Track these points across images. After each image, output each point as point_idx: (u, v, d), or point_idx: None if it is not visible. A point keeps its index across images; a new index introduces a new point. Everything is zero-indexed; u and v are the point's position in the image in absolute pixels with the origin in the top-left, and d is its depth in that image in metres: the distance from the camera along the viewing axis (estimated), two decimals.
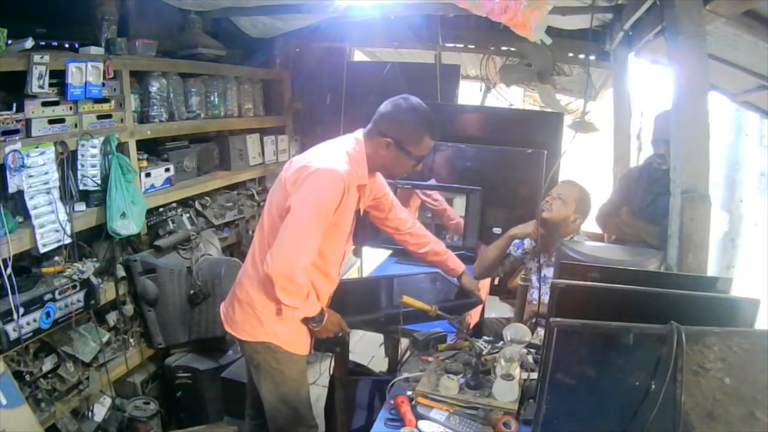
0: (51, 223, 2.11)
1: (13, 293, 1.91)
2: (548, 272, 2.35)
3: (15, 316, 1.90)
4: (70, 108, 2.23)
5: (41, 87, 2.03)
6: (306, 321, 1.88)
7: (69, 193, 2.20)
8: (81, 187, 2.29)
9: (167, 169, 2.79)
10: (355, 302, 2.18)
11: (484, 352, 1.80)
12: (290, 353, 1.92)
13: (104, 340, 2.38)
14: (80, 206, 2.29)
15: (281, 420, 1.99)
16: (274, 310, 1.86)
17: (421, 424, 1.52)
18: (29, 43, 2.00)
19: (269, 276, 1.72)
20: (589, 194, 2.44)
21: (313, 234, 1.73)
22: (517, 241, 2.51)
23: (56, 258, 2.16)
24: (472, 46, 3.97)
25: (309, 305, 1.81)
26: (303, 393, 2.01)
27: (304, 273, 1.73)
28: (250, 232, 3.24)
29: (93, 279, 2.25)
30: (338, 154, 1.81)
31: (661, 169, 2.37)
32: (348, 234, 1.97)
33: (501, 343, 1.82)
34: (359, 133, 1.90)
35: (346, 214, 1.86)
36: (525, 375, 1.65)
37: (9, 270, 1.90)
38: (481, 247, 2.90)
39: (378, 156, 1.86)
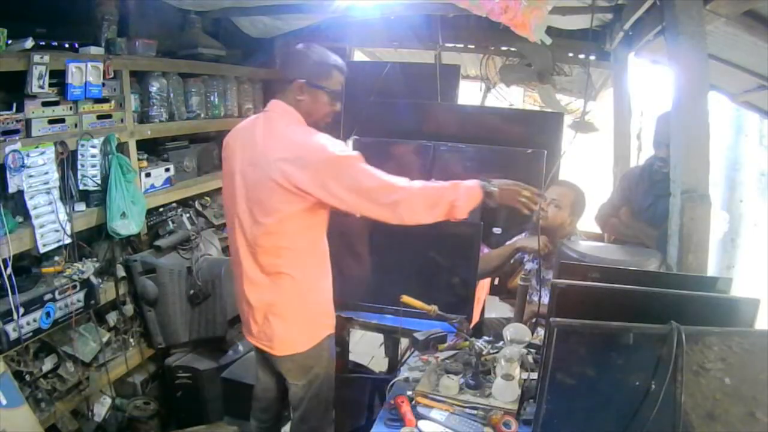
0: (51, 223, 2.11)
1: (13, 293, 1.91)
2: (548, 275, 2.35)
3: (15, 316, 1.90)
4: (70, 108, 2.23)
5: (41, 87, 2.03)
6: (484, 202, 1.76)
7: (69, 193, 2.20)
8: (81, 187, 2.30)
9: (167, 169, 2.79)
10: None
11: (484, 352, 1.80)
12: (331, 337, 1.95)
13: (104, 340, 2.38)
14: (80, 206, 2.29)
15: (315, 420, 2.00)
16: (316, 299, 1.88)
17: (421, 424, 1.52)
18: (29, 43, 2.00)
19: (404, 222, 1.70)
20: (583, 193, 2.44)
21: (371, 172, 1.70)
22: (516, 239, 2.51)
23: (56, 258, 2.16)
24: (472, 46, 3.97)
25: (455, 189, 1.72)
26: (333, 387, 2.03)
27: (399, 185, 1.69)
28: None
29: (93, 279, 2.25)
30: (305, 130, 1.77)
31: (662, 171, 2.36)
32: None
33: (501, 343, 1.82)
34: (277, 104, 1.83)
35: None
36: (525, 375, 1.65)
37: (9, 270, 1.90)
38: (484, 249, 2.90)
39: (299, 104, 1.80)
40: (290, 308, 1.84)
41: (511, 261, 2.55)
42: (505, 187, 1.79)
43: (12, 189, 1.99)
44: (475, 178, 2.85)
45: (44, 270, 2.11)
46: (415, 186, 1.72)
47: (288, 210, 1.73)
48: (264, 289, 1.84)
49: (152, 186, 2.69)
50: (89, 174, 2.30)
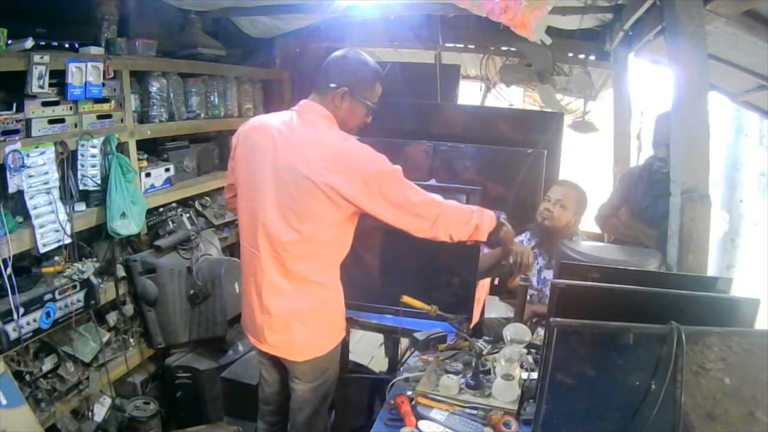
0: (51, 223, 2.11)
1: (13, 293, 1.90)
2: (548, 275, 2.35)
3: (15, 316, 1.90)
4: (70, 108, 2.23)
5: (41, 87, 2.03)
6: (493, 236, 1.87)
7: (69, 193, 2.20)
8: (81, 187, 2.29)
9: (167, 169, 2.79)
10: None
11: (484, 352, 1.80)
12: (341, 340, 1.96)
13: (104, 340, 2.38)
14: (80, 206, 2.29)
15: (321, 419, 2.01)
16: (338, 304, 1.89)
17: (421, 424, 1.52)
18: (29, 43, 2.00)
19: (437, 237, 1.75)
20: (585, 192, 2.44)
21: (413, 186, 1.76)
22: (517, 239, 2.51)
23: (56, 258, 2.16)
24: (472, 46, 3.97)
25: (481, 214, 1.81)
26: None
27: (438, 201, 1.76)
28: None
29: (93, 279, 2.25)
30: (347, 137, 1.76)
31: (662, 171, 2.36)
32: None
33: (501, 343, 1.82)
34: (315, 106, 1.79)
35: None
36: (525, 375, 1.65)
37: (9, 270, 1.89)
38: (484, 249, 2.90)
39: (336, 111, 1.78)
40: (314, 314, 1.81)
41: (511, 261, 2.55)
42: (509, 230, 1.92)
43: (12, 189, 1.98)
44: (475, 178, 2.87)
45: (44, 270, 2.11)
46: (449, 203, 1.78)
47: (330, 218, 1.71)
48: (288, 296, 1.78)
49: (152, 186, 2.69)
50: (89, 174, 2.29)
